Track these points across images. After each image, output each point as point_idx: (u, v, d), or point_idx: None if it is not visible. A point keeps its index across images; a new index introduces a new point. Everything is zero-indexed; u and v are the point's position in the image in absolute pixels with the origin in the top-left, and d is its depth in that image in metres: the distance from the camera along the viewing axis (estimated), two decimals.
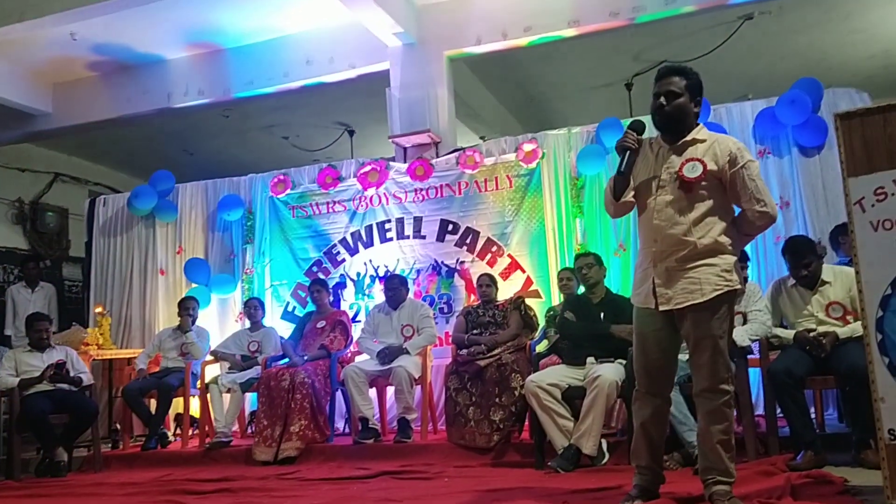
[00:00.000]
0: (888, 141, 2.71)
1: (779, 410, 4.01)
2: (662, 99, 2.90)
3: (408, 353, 5.42)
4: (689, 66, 2.98)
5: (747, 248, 4.99)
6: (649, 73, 8.00)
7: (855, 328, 3.84)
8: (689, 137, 2.93)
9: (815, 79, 5.55)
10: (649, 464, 3.02)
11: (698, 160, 2.86)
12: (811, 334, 4.01)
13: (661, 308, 2.88)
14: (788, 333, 4.14)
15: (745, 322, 4.22)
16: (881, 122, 2.72)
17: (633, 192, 2.99)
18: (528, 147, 6.08)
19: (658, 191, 2.90)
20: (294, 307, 6.60)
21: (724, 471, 2.86)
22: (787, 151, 5.55)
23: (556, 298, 5.58)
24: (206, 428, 5.74)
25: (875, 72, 8.38)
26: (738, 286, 2.87)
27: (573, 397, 4.34)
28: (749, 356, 4.21)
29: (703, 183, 2.84)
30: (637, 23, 6.25)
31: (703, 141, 2.92)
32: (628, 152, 2.87)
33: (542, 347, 5.02)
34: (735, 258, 2.89)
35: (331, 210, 6.64)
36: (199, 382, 5.84)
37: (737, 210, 2.96)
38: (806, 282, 4.16)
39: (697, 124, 2.97)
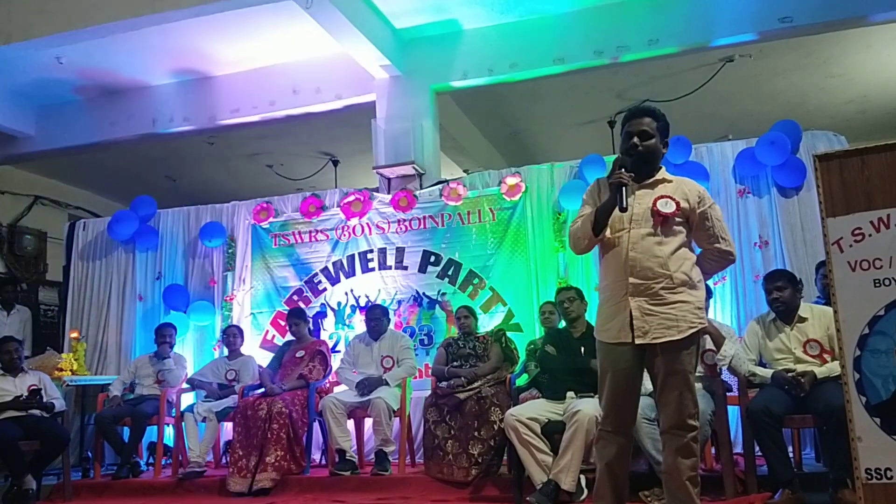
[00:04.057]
0: (865, 182, 2.75)
1: (757, 449, 4.02)
2: (636, 139, 2.97)
3: (387, 384, 5.38)
4: (659, 108, 3.07)
5: (709, 284, 5.03)
6: None
7: (833, 368, 3.87)
8: (658, 177, 3.01)
9: (794, 121, 5.66)
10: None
11: (669, 197, 2.93)
12: (789, 374, 4.03)
13: (638, 341, 2.84)
14: (766, 372, 4.15)
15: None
16: (859, 164, 2.77)
17: (608, 229, 3.00)
18: (511, 181, 6.12)
19: (632, 224, 2.92)
20: (273, 336, 6.54)
21: None
22: (767, 191, 5.64)
23: (537, 332, 5.58)
24: (180, 457, 5.64)
25: (852, 116, 8.56)
26: (706, 324, 2.97)
27: (553, 432, 4.31)
28: (728, 394, 4.23)
29: (677, 219, 2.91)
30: (621, 62, 6.36)
31: (670, 181, 3.02)
32: (624, 188, 2.88)
33: (522, 381, 5.00)
34: (703, 294, 2.96)
35: (313, 239, 6.63)
36: (175, 410, 5.75)
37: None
38: (782, 311, 4.19)
39: (661, 166, 3.06)
